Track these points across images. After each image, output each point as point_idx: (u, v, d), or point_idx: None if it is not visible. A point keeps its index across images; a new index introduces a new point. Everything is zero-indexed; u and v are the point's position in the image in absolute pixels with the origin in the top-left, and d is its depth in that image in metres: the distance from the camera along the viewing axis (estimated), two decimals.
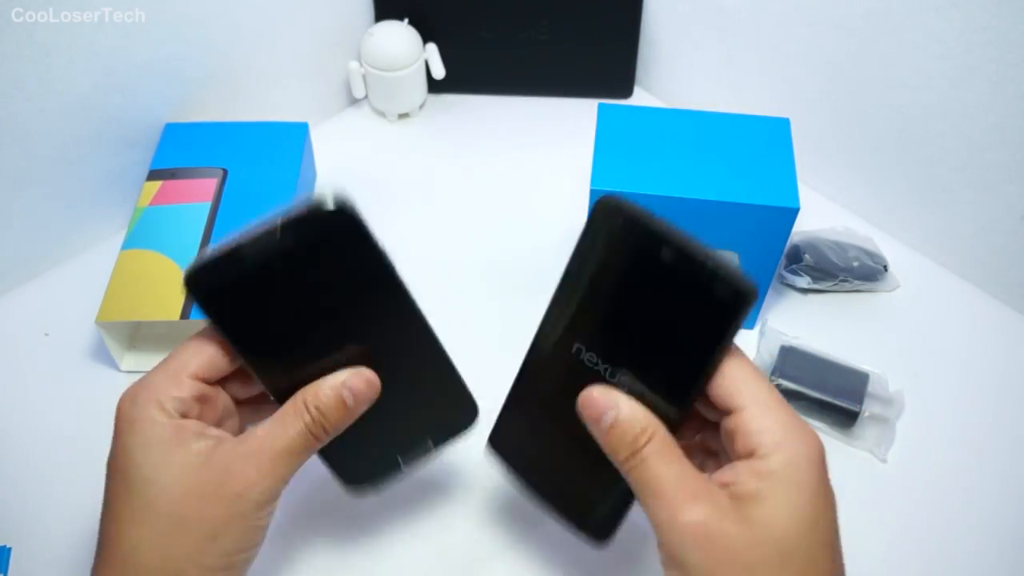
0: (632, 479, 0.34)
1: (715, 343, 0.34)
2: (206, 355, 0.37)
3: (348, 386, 0.37)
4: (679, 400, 0.35)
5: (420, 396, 0.41)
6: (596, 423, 0.35)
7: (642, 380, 0.35)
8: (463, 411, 0.42)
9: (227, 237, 0.35)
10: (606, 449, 0.35)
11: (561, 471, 0.40)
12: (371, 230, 0.36)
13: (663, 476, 0.33)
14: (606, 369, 0.36)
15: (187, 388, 0.36)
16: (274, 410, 0.37)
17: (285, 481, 0.36)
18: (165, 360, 0.37)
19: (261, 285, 0.36)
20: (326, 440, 0.37)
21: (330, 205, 0.35)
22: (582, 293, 0.37)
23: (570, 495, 0.40)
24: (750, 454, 0.33)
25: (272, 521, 0.37)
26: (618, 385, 0.36)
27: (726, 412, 0.34)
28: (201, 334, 0.38)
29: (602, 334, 0.37)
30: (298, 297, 0.37)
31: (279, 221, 0.35)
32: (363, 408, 0.38)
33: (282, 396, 0.38)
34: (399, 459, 0.42)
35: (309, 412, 0.36)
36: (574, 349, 0.37)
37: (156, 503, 0.34)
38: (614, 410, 0.34)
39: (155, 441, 0.34)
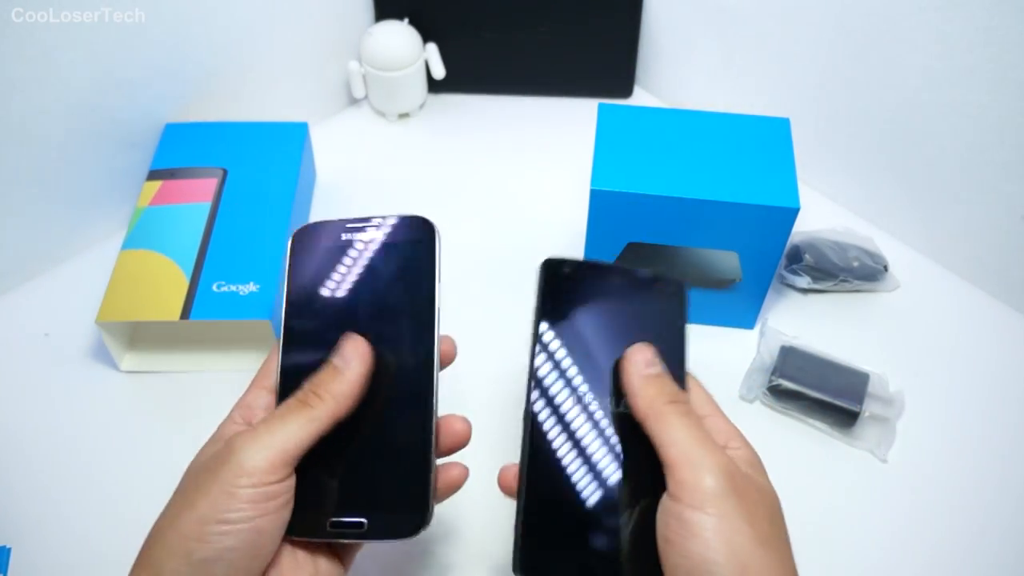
0: (668, 422, 0.35)
1: (683, 333, 0.39)
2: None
3: (337, 352, 0.38)
4: None
5: (383, 462, 0.37)
6: (645, 367, 0.37)
7: None
8: (413, 512, 0.36)
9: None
10: (645, 395, 0.36)
11: (610, 541, 0.36)
12: (439, 253, 0.39)
13: (704, 423, 0.36)
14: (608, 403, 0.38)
15: (262, 398, 0.39)
16: None
17: (276, 455, 0.34)
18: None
19: (334, 260, 0.40)
20: (322, 412, 0.36)
21: (422, 216, 0.40)
22: (563, 343, 0.38)
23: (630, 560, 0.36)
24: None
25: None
26: (624, 412, 0.37)
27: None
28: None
29: (595, 372, 0.38)
30: (354, 285, 0.40)
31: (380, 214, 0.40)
32: (355, 373, 0.37)
33: (287, 377, 0.39)
34: (327, 521, 0.36)
35: (302, 387, 0.37)
36: (575, 399, 0.38)
37: (176, 488, 0.36)
38: (660, 365, 0.38)
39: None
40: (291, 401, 0.36)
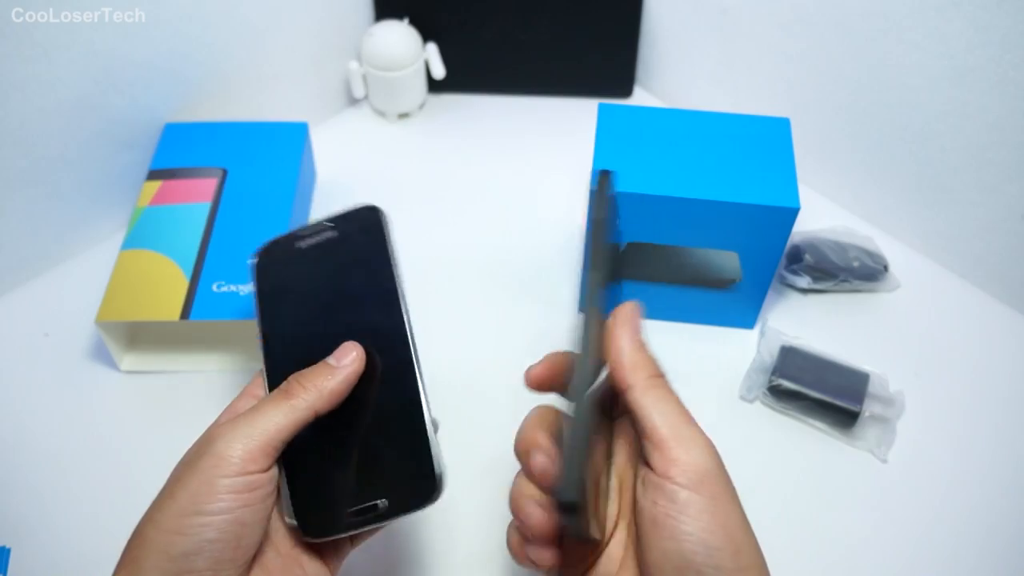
0: (651, 397, 0.34)
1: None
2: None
3: (334, 353, 0.38)
4: None
5: (384, 443, 0.38)
6: (635, 334, 0.36)
7: None
8: (424, 482, 0.36)
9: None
10: (629, 365, 0.35)
11: None
12: (390, 235, 0.41)
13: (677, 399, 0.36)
14: None
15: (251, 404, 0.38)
16: None
17: (255, 444, 0.34)
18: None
19: (298, 267, 0.42)
20: (302, 402, 0.36)
21: (369, 204, 0.42)
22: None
23: None
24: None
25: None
26: None
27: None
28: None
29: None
30: (317, 286, 0.41)
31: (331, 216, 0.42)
32: (347, 372, 0.37)
33: (273, 379, 0.39)
34: (345, 513, 0.37)
35: (289, 380, 0.37)
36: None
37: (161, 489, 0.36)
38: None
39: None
40: (274, 392, 0.36)
